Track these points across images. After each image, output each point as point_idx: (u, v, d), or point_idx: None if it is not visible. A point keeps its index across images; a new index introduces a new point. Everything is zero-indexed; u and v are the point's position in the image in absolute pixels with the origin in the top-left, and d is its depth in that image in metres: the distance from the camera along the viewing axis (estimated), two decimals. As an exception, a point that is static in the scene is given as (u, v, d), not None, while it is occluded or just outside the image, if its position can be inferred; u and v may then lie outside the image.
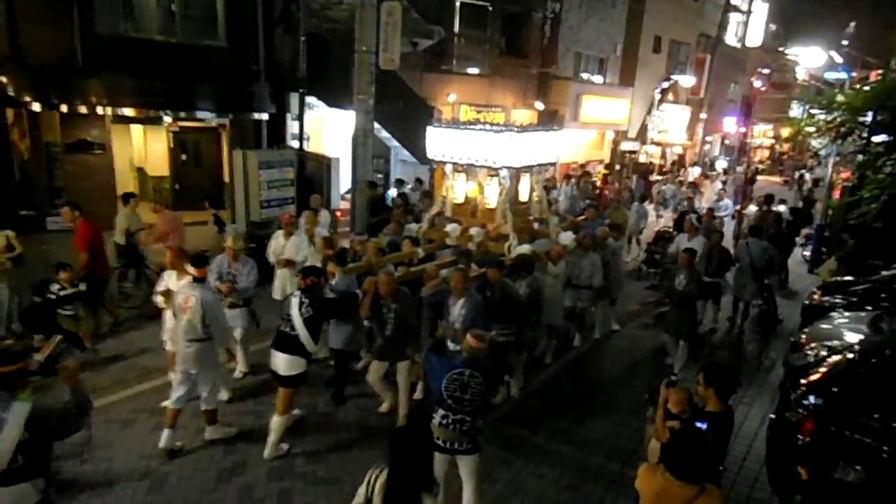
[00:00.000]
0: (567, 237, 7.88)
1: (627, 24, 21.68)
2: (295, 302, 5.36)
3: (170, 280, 6.00)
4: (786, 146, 34.40)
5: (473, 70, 17.22)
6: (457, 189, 8.34)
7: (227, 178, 13.27)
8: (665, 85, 21.84)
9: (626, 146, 23.08)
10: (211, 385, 5.53)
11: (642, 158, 23.26)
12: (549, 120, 18.61)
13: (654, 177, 21.61)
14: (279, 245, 7.83)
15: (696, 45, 25.79)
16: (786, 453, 4.96)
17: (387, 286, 5.70)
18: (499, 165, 7.58)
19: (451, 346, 5.56)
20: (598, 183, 17.06)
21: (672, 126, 24.72)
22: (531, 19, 17.94)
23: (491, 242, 7.69)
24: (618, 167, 22.81)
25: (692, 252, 7.77)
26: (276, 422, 5.41)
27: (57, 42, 10.78)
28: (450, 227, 7.89)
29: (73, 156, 11.98)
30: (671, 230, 12.34)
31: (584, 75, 20.73)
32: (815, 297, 8.73)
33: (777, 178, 30.73)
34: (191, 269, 5.50)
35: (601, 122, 20.92)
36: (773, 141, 37.12)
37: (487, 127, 7.64)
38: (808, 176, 23.72)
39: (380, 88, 11.30)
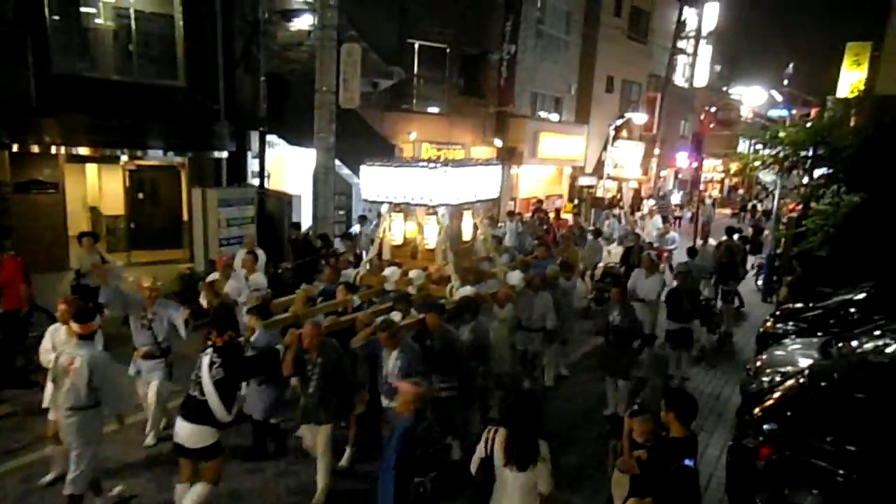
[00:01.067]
0: (516, 277, 7.47)
1: (581, 65, 22.52)
2: (206, 361, 4.64)
3: (56, 336, 5.41)
4: (735, 179, 35.82)
5: (433, 109, 17.55)
6: (394, 230, 7.73)
7: (185, 217, 13.09)
8: (619, 122, 22.61)
9: (583, 181, 23.69)
10: (82, 464, 4.67)
11: (600, 193, 23.89)
12: (508, 156, 19.07)
13: (615, 210, 22.19)
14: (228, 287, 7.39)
15: (647, 85, 26.87)
16: (745, 480, 5.04)
17: (311, 338, 5.09)
18: (435, 203, 6.99)
19: (384, 402, 5.21)
20: (552, 218, 16.89)
21: (627, 161, 25.51)
22: (488, 60, 18.46)
23: (432, 285, 7.18)
24: (576, 201, 23.37)
25: (623, 286, 7.67)
26: (196, 493, 4.65)
27: (11, 82, 10.59)
28: (388, 271, 7.34)
29: (23, 195, 11.64)
30: (617, 265, 12.23)
31: (542, 113, 21.33)
32: (769, 324, 9.02)
33: (727, 210, 31.92)
34: (74, 325, 4.79)
35: (559, 158, 21.47)
36: (723, 175, 38.61)
37: (420, 164, 7.16)
38: (759, 206, 24.67)
39: (341, 126, 11.43)
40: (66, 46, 11.18)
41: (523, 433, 3.62)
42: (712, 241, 14.05)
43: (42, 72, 10.77)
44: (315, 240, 11.05)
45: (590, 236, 13.66)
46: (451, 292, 6.84)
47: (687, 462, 3.71)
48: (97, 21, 11.65)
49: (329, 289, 7.19)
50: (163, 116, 11.61)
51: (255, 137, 12.49)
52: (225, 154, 12.75)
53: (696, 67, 30.66)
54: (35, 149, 10.92)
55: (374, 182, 7.40)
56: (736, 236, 12.54)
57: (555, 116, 22.09)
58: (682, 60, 29.81)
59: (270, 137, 12.61)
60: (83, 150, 11.37)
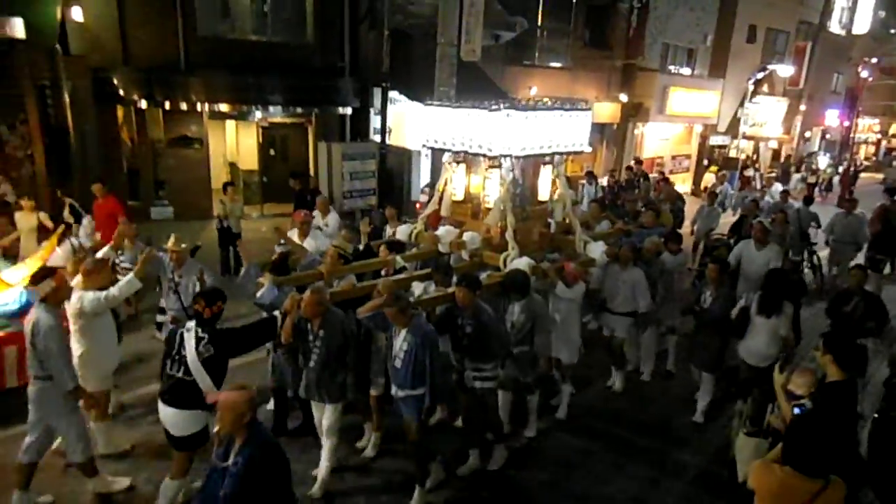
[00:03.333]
0: (596, 249, 6.29)
1: (719, 12, 20.64)
2: (190, 337, 4.05)
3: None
4: (896, 141, 31.76)
5: (556, 62, 16.95)
6: (455, 183, 6.59)
7: (312, 171, 13.74)
8: (760, 76, 20.60)
9: (715, 140, 22.03)
10: (71, 435, 4.34)
11: (733, 153, 22.11)
12: (633, 113, 18.10)
13: (750, 171, 20.49)
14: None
15: (796, 33, 24.22)
16: (890, 451, 4.57)
17: (312, 307, 4.43)
18: (494, 153, 5.81)
19: (394, 391, 4.55)
20: (656, 181, 14.66)
21: (767, 119, 23.34)
22: (617, 10, 17.45)
23: (489, 252, 6.09)
24: (705, 162, 21.82)
25: (722, 263, 6.22)
26: (166, 486, 4.23)
27: (162, 45, 11.54)
28: (442, 231, 6.34)
29: (174, 150, 12.78)
30: (724, 236, 10.63)
31: (672, 67, 19.95)
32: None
33: (881, 176, 28.43)
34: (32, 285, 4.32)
35: (689, 115, 20.06)
36: (879, 136, 34.34)
37: (482, 104, 5.88)
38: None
39: (461, 80, 11.36)
40: (209, 10, 11.95)
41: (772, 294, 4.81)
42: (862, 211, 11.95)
43: (189, 35, 11.62)
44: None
45: (704, 202, 11.85)
46: (505, 262, 5.76)
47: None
48: (237, -16, 12.32)
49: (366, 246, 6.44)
50: (292, 74, 12.16)
51: (377, 93, 12.74)
52: (349, 110, 13.16)
53: (856, 12, 27.14)
54: (183, 106, 11.88)
55: (435, 126, 6.36)
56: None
57: (686, 70, 20.57)
58: (839, 4, 26.49)
59: (392, 94, 12.80)
60: (224, 108, 12.22)
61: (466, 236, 6.16)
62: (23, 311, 5.31)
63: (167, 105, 11.88)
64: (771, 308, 5.42)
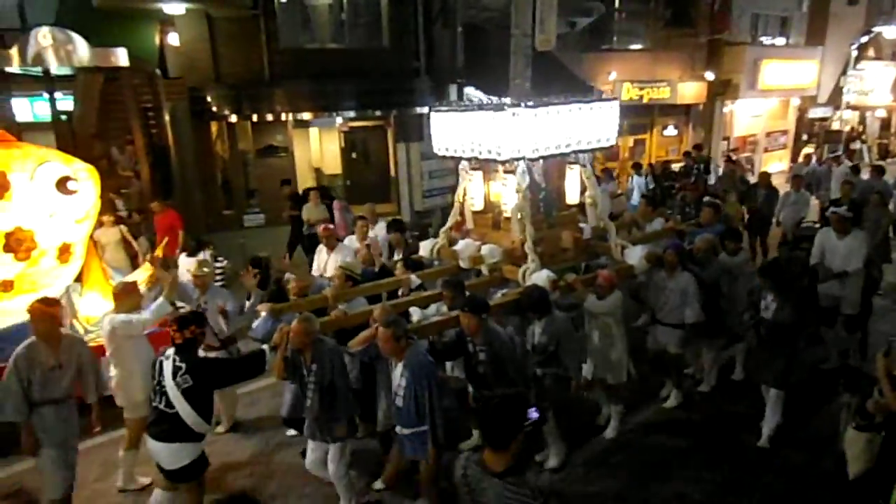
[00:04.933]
0: (635, 254, 5.68)
1: (815, -26, 19.21)
2: (168, 367, 3.87)
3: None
4: None
5: (635, 45, 16.38)
6: (473, 192, 6.01)
7: (392, 172, 14.02)
8: (864, 40, 19.00)
9: (815, 113, 20.50)
10: (51, 469, 4.20)
11: (836, 125, 20.51)
12: (721, 91, 17.15)
13: (855, 144, 18.91)
14: (321, 262, 6.56)
15: (905, -10, 22.09)
16: None
17: (299, 337, 4.06)
18: (504, 157, 5.25)
19: (398, 429, 4.18)
20: (721, 162, 13.48)
21: (874, 86, 21.45)
22: (700, -17, 16.62)
23: (509, 267, 5.60)
24: (805, 137, 20.36)
25: (773, 271, 5.25)
26: None
27: (248, 60, 12.13)
28: (461, 245, 5.87)
29: (263, 160, 13.42)
30: (815, 225, 9.52)
31: (764, 39, 18.74)
32: None
33: None
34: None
35: (784, 88, 18.77)
36: None
37: (488, 105, 5.40)
38: None
39: (537, 71, 11.15)
40: (290, 23, 12.44)
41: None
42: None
43: (272, 48, 12.14)
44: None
45: (789, 187, 10.32)
46: (525, 276, 5.28)
47: None
48: (317, -3, 12.75)
49: (368, 271, 5.92)
50: (370, 78, 12.43)
51: (453, 90, 12.80)
52: (426, 109, 13.29)
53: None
54: (269, 117, 12.45)
55: (444, 132, 5.83)
56: None
57: (780, 40, 19.26)
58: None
59: (467, 89, 12.81)
60: (306, 116, 12.70)
61: (485, 249, 5.74)
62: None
63: (255, 117, 12.48)
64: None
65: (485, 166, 5.87)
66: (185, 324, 3.94)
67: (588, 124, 5.57)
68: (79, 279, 5.89)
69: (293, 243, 10.62)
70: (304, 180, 14.25)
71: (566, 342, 4.68)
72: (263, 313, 4.65)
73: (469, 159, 5.75)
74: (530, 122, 5.14)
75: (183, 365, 3.85)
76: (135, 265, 7.96)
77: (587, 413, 5.67)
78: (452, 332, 4.58)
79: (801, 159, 14.63)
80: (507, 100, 5.62)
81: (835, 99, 20.26)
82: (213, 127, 13.13)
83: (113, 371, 4.77)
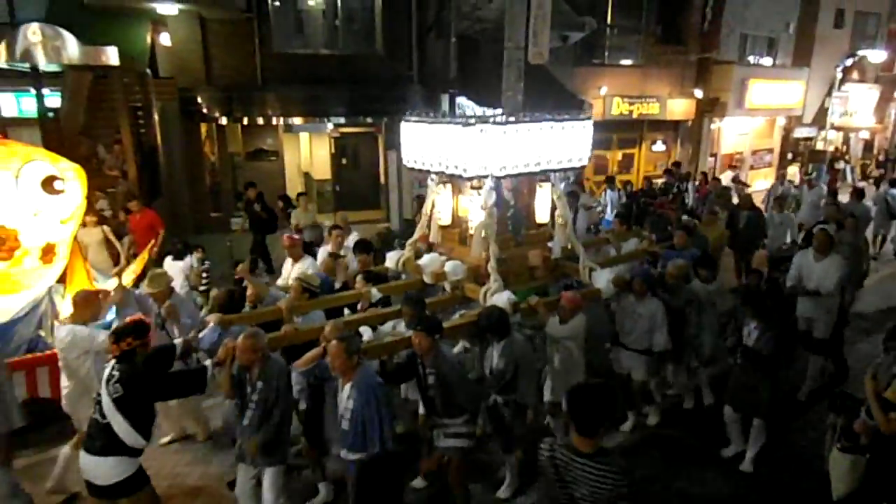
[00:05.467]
0: (602, 278, 5.51)
1: (803, -3, 19.54)
2: (104, 376, 3.76)
3: None
4: None
5: (626, 60, 16.53)
6: (441, 206, 5.84)
7: (382, 179, 14.01)
8: (849, 62, 19.31)
9: (800, 132, 20.81)
10: None
11: (820, 145, 20.82)
12: (709, 108, 17.36)
13: (840, 164, 19.22)
14: (286, 273, 6.36)
15: (889, 16, 22.55)
16: None
17: (245, 354, 3.85)
18: (470, 174, 5.07)
19: (343, 453, 3.92)
20: (699, 182, 13.23)
21: (857, 108, 21.86)
22: (691, 2, 16.83)
23: (471, 286, 5.39)
24: (789, 156, 20.65)
25: (755, 297, 5.22)
26: None
27: (240, 63, 12.11)
28: (426, 259, 5.71)
29: (252, 163, 13.37)
30: (794, 246, 9.33)
31: (751, 58, 19.01)
32: None
33: None
34: None
35: (770, 107, 19.05)
36: None
37: (456, 120, 5.22)
38: None
39: (529, 84, 11.22)
40: (283, 27, 12.42)
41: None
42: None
43: (264, 52, 12.12)
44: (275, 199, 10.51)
45: (771, 209, 10.21)
46: (486, 297, 5.07)
47: None
48: (310, 2, 12.72)
49: (326, 279, 5.67)
50: (362, 84, 12.45)
51: (445, 100, 12.84)
52: (418, 118, 13.33)
53: (959, -12, 24.96)
54: (260, 121, 12.42)
55: (413, 144, 5.67)
56: None
57: (767, 60, 19.54)
58: (939, -19, 24.44)
59: (459, 99, 12.86)
60: (297, 120, 12.67)
61: (448, 266, 5.48)
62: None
63: (245, 120, 12.46)
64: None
65: (454, 180, 5.63)
66: (121, 336, 3.77)
67: (560, 143, 5.41)
68: (62, 280, 5.79)
69: (257, 248, 10.31)
70: (294, 185, 14.19)
71: (524, 367, 4.47)
72: (211, 324, 4.43)
73: (437, 173, 5.54)
74: (498, 138, 5.00)
75: (116, 374, 3.70)
76: (117, 266, 7.86)
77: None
78: (405, 353, 4.40)
79: (774, 179, 14.67)
80: (497, 112, 5.63)
81: (820, 119, 20.58)
82: (203, 128, 13.05)
83: (65, 383, 4.58)
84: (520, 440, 4.70)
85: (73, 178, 5.63)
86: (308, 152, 15.34)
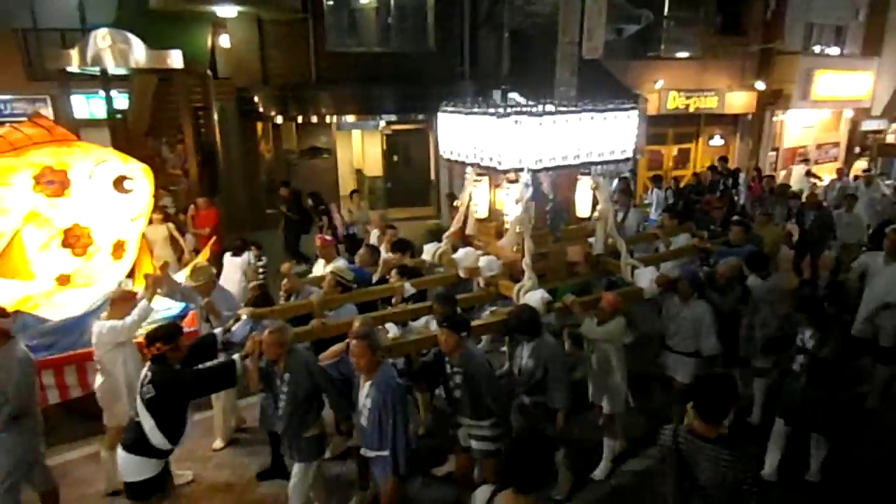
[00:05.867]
0: (645, 276, 5.18)
1: (874, -18, 18.53)
2: (141, 376, 3.90)
3: None
4: None
5: (683, 53, 16.04)
6: (478, 199, 5.64)
7: (432, 176, 14.05)
8: (925, 50, 18.25)
9: (869, 125, 19.77)
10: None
11: (891, 138, 19.73)
12: (772, 101, 16.70)
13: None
14: (319, 274, 6.27)
15: (970, -1, 21.16)
16: None
17: (271, 348, 3.91)
18: (504, 166, 4.85)
19: (362, 450, 3.94)
20: (751, 180, 12.42)
21: (934, 98, 20.58)
22: (753, -9, 16.21)
23: (506, 283, 5.17)
24: (856, 150, 19.65)
25: (813, 302, 4.80)
26: None
27: (296, 63, 12.34)
28: (461, 253, 5.53)
29: (306, 161, 13.62)
30: (857, 248, 8.67)
31: (817, 48, 18.17)
32: None
33: None
34: None
35: (837, 99, 18.15)
36: None
37: (490, 110, 4.91)
38: None
39: (582, 78, 11.04)
40: (338, 27, 12.60)
41: None
42: None
43: (319, 51, 12.31)
44: (306, 198, 10.34)
45: (838, 208, 9.54)
46: (519, 294, 4.88)
47: None
48: (363, 1, 12.86)
49: (361, 271, 5.61)
50: (413, 82, 12.48)
51: (497, 96, 12.74)
52: (469, 115, 13.30)
53: None
54: (314, 119, 12.62)
55: (449, 134, 5.44)
56: None
57: (834, 50, 18.64)
58: None
59: (512, 95, 12.75)
60: (350, 118, 12.83)
61: (482, 261, 5.30)
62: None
63: (300, 119, 12.68)
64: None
65: (490, 172, 5.38)
66: (151, 340, 3.85)
67: (601, 135, 5.04)
68: (130, 275, 6.04)
69: (290, 248, 10.41)
70: (346, 182, 14.40)
71: (553, 369, 4.27)
72: (244, 317, 4.48)
73: (472, 165, 5.32)
74: (534, 129, 4.67)
75: (149, 374, 3.80)
76: (181, 262, 8.16)
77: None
78: (433, 351, 4.29)
79: (833, 175, 13.68)
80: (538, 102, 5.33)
81: (890, 111, 19.48)
82: (259, 127, 13.38)
83: (99, 378, 4.70)
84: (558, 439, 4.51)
85: (141, 177, 5.87)
86: (360, 149, 15.52)
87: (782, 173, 17.12)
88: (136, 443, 3.80)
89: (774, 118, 17.57)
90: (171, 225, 8.66)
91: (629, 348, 5.02)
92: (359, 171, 15.52)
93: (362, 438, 3.88)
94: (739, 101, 16.54)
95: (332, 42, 12.44)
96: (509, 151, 4.76)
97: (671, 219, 7.19)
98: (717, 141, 17.23)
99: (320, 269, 6.27)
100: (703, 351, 5.06)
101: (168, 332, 3.92)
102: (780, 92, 16.68)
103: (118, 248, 5.88)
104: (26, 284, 5.40)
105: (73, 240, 5.53)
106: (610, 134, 5.08)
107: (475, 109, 5.04)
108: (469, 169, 5.53)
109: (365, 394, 3.76)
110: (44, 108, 11.79)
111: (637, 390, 5.45)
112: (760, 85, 16.59)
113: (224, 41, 11.84)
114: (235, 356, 4.02)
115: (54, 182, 5.33)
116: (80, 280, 5.65)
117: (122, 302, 4.71)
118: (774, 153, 17.98)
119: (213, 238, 7.99)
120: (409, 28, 13.06)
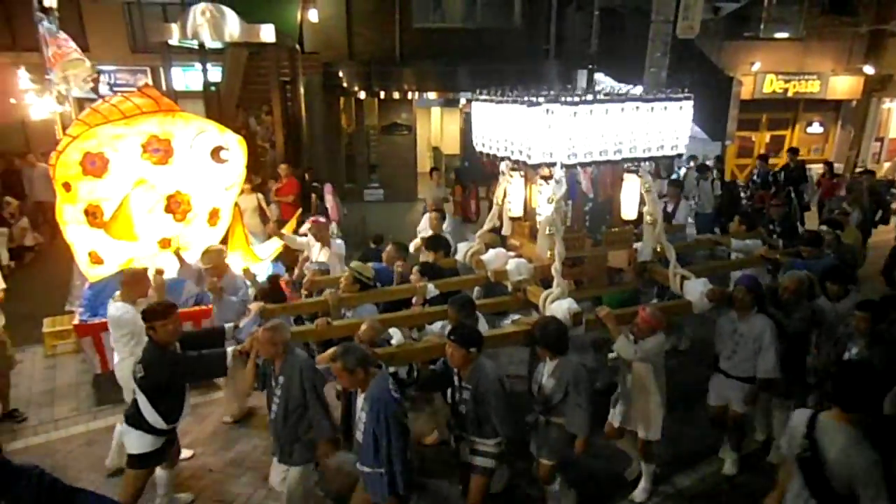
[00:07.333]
0: (695, 288, 4.58)
1: None
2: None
3: None
4: None
5: (783, 34, 15.04)
6: (513, 195, 5.13)
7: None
8: None
9: None
10: None
11: None
12: (880, 87, 15.46)
13: None
14: (313, 257, 6.21)
15: None
16: None
17: (265, 347, 3.72)
18: (534, 161, 4.33)
19: (358, 466, 3.61)
20: (818, 177, 11.04)
21: None
22: (866, -33, 14.96)
23: (534, 288, 4.66)
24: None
25: (875, 309, 4.15)
26: None
27: (381, 39, 12.45)
28: (490, 255, 5.14)
29: (386, 137, 13.77)
30: None
31: (937, 29, 16.64)
32: None
33: None
34: None
35: (956, 86, 16.63)
36: None
37: (522, 99, 4.35)
38: None
39: (673, 59, 10.59)
40: (423, 3, 12.57)
41: None
42: None
43: (404, 28, 12.36)
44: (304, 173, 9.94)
45: None
46: (545, 303, 4.37)
47: None
48: (450, -24, 12.80)
49: (383, 269, 5.27)
50: (497, 59, 12.34)
51: (582, 76, 12.41)
52: (551, 94, 13.04)
53: None
54: (395, 95, 12.70)
55: (481, 125, 5.03)
56: None
57: (957, 32, 17.02)
58: None
59: (598, 76, 12.38)
60: (431, 95, 12.83)
61: (511, 264, 4.85)
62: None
63: (382, 94, 12.80)
64: None
65: (523, 166, 4.78)
66: (147, 318, 3.83)
67: (648, 127, 4.46)
68: (224, 241, 6.32)
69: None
70: (423, 159, 14.50)
71: (576, 393, 3.81)
72: (253, 312, 4.30)
73: (503, 158, 4.84)
74: (567, 120, 4.15)
75: (142, 354, 3.86)
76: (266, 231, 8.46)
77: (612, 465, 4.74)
78: (441, 360, 3.94)
79: None
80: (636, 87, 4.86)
81: None
82: (342, 102, 13.61)
83: (116, 357, 4.77)
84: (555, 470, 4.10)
85: (236, 147, 6.09)
86: (439, 127, 15.56)
87: (886, 165, 15.91)
88: (134, 417, 3.89)
89: (882, 105, 16.29)
90: (260, 195, 8.97)
91: (679, 359, 4.58)
92: (436, 149, 15.58)
93: (358, 453, 3.62)
94: (843, 85, 15.41)
95: (418, 18, 12.45)
96: (540, 144, 4.26)
97: (740, 224, 6.39)
98: (816, 128, 16.16)
99: (316, 252, 6.17)
100: (758, 371, 4.37)
101: (162, 312, 3.82)
102: (891, 77, 15.40)
103: (213, 216, 6.16)
104: (132, 246, 5.75)
105: (175, 206, 5.83)
106: (658, 127, 4.51)
107: (505, 98, 4.59)
108: (503, 163, 5.03)
109: (360, 406, 3.54)
110: (143, 79, 12.44)
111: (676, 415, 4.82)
112: (869, 69, 15.35)
113: (312, 16, 12.05)
114: (230, 348, 3.96)
115: (159, 150, 5.61)
116: (179, 244, 5.96)
117: (133, 283, 4.63)
118: (879, 143, 16.69)
119: (300, 209, 8.22)
120: (494, 4, 12.89)
